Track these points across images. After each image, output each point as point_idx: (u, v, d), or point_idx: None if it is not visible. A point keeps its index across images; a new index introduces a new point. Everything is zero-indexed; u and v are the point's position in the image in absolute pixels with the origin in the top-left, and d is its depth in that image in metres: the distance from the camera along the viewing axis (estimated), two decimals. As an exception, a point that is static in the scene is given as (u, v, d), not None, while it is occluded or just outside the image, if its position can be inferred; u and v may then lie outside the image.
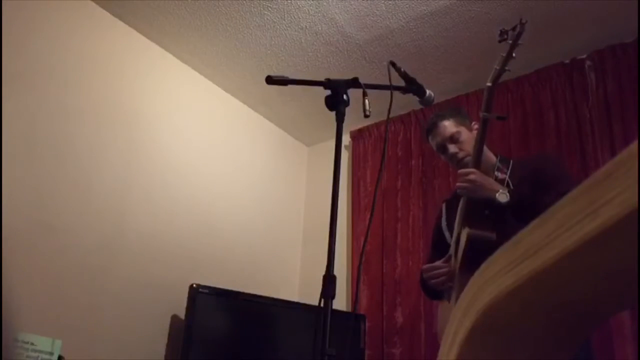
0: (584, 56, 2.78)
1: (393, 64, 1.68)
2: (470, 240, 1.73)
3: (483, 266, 0.38)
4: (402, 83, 1.72)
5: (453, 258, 1.88)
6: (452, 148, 1.95)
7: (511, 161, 1.95)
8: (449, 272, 1.86)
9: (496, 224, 1.74)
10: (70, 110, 2.48)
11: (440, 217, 2.13)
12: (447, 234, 2.01)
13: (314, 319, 1.33)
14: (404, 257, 3.12)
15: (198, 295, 2.51)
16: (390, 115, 1.66)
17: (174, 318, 2.67)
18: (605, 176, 0.30)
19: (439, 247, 2.04)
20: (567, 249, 0.31)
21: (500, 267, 0.36)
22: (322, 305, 1.33)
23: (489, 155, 1.96)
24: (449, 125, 1.97)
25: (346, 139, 3.62)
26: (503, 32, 1.76)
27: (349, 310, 3.19)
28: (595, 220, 0.30)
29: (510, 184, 1.82)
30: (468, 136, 1.95)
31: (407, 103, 2.84)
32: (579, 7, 2.55)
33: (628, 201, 0.28)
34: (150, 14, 2.74)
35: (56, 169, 2.37)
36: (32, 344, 1.82)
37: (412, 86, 1.72)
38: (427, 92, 1.74)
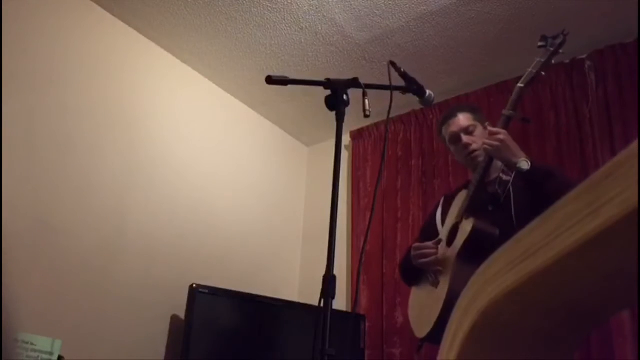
0: (584, 56, 2.78)
1: (393, 64, 1.69)
2: (475, 232, 1.74)
3: (483, 266, 0.38)
4: (402, 83, 1.73)
5: (443, 243, 1.89)
6: (466, 138, 1.96)
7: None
8: (437, 254, 1.88)
9: (497, 221, 1.75)
10: (70, 110, 2.48)
11: (436, 208, 2.15)
12: (439, 224, 2.03)
13: (314, 319, 1.34)
14: (404, 257, 3.12)
15: (198, 295, 2.51)
16: (390, 115, 1.66)
17: (174, 318, 2.67)
18: (605, 176, 0.30)
19: (426, 235, 2.06)
20: (567, 249, 0.31)
21: (500, 267, 0.36)
22: (322, 305, 1.33)
23: None
24: (466, 118, 2.00)
25: (346, 139, 3.62)
26: (544, 38, 1.80)
27: (349, 310, 3.19)
28: (595, 220, 0.30)
29: (511, 190, 1.84)
30: (481, 133, 1.97)
31: (407, 103, 2.84)
32: (579, 7, 2.55)
33: (628, 201, 0.28)
34: (150, 14, 2.74)
35: (56, 169, 2.37)
36: (32, 344, 1.82)
37: (412, 86, 1.73)
38: (427, 92, 1.74)
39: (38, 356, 1.82)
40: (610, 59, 2.69)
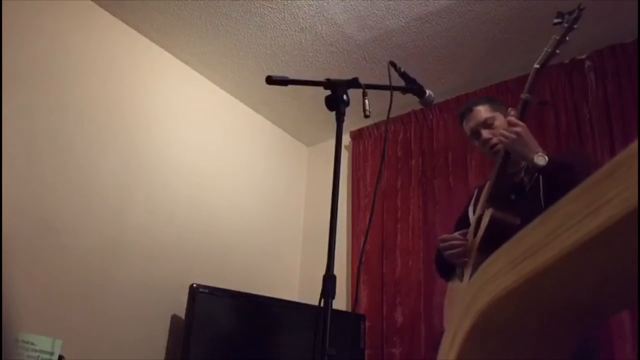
0: (584, 56, 2.78)
1: (393, 64, 1.68)
2: (492, 221, 1.69)
3: (483, 266, 0.38)
4: (402, 83, 1.72)
5: (471, 234, 1.84)
6: (486, 133, 1.91)
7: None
8: (465, 246, 1.82)
9: (521, 210, 1.69)
10: (71, 110, 2.48)
11: (469, 200, 2.08)
12: (470, 216, 1.96)
13: (314, 319, 1.34)
14: (404, 257, 3.12)
15: (198, 295, 2.51)
16: (390, 115, 1.66)
17: (174, 318, 2.67)
18: (605, 176, 0.30)
19: (460, 228, 1.98)
20: (567, 248, 0.31)
21: (500, 267, 0.36)
22: (322, 305, 1.33)
23: None
24: (483, 110, 1.94)
25: (346, 139, 3.62)
26: (560, 15, 1.73)
27: (349, 310, 3.20)
28: (595, 220, 0.30)
29: (541, 176, 1.77)
30: (502, 122, 1.88)
31: (407, 103, 2.84)
32: (575, 7, 2.55)
33: (628, 201, 0.28)
34: (150, 14, 2.74)
35: (56, 169, 2.37)
36: (32, 343, 1.82)
37: (412, 86, 1.72)
38: (427, 92, 1.74)
39: (38, 356, 1.82)
40: (610, 59, 2.69)
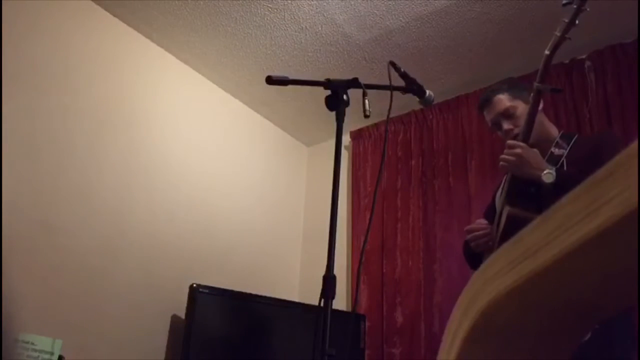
0: (584, 56, 2.78)
1: (393, 64, 1.68)
2: (509, 219, 1.65)
3: (483, 266, 0.38)
4: (402, 83, 1.72)
5: (495, 225, 1.80)
6: (507, 124, 1.84)
7: (575, 137, 1.82)
8: (488, 235, 1.79)
9: (541, 204, 1.61)
10: (71, 110, 2.48)
11: (496, 190, 2.02)
12: (497, 204, 1.91)
13: (314, 319, 1.34)
14: (404, 257, 3.12)
15: (198, 295, 2.51)
16: (390, 115, 1.66)
17: (174, 318, 2.67)
18: (605, 176, 0.30)
19: (487, 218, 1.95)
20: (567, 249, 0.31)
21: (500, 267, 0.36)
22: (322, 305, 1.34)
23: (549, 129, 1.85)
24: (503, 99, 1.85)
25: (346, 139, 3.62)
26: None
27: (349, 310, 3.19)
28: (595, 220, 0.30)
29: (565, 163, 1.71)
30: (524, 110, 1.78)
31: (407, 103, 2.84)
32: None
33: (628, 201, 0.28)
34: (150, 14, 2.74)
35: (56, 169, 2.37)
36: (32, 343, 1.82)
37: (412, 86, 1.72)
38: (427, 92, 1.74)
39: (38, 356, 1.82)
40: (610, 59, 2.69)
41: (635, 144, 0.29)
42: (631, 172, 0.28)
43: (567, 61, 2.81)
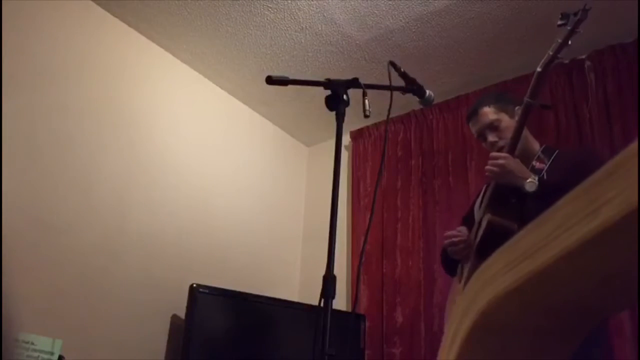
0: (584, 56, 2.78)
1: (393, 64, 1.68)
2: (490, 226, 1.70)
3: (483, 266, 0.38)
4: (402, 83, 1.73)
5: (473, 234, 1.85)
6: (491, 137, 1.89)
7: (556, 152, 1.88)
8: (466, 242, 1.83)
9: (521, 214, 1.68)
10: (70, 110, 2.48)
11: (476, 197, 2.08)
12: (476, 213, 1.96)
13: (314, 319, 1.34)
14: (404, 257, 3.12)
15: (198, 295, 2.51)
16: (390, 115, 1.66)
17: (174, 318, 2.67)
18: (605, 176, 0.30)
19: (466, 225, 1.99)
20: (567, 249, 0.31)
21: (499, 267, 0.36)
22: (322, 305, 1.34)
23: (531, 143, 1.90)
24: (489, 112, 1.91)
25: (346, 139, 3.62)
26: (564, 16, 1.69)
27: (349, 310, 3.19)
28: (595, 220, 0.30)
29: (545, 175, 1.76)
30: (509, 123, 1.86)
31: (407, 103, 2.84)
32: (579, 7, 2.55)
33: (628, 201, 0.28)
34: (150, 14, 2.74)
35: (56, 168, 2.37)
36: (32, 343, 1.82)
37: (412, 86, 1.72)
38: (427, 92, 1.74)
39: (38, 356, 1.82)
40: (610, 59, 2.69)
41: (635, 144, 0.29)
42: (631, 172, 0.28)
43: (567, 61, 2.81)
